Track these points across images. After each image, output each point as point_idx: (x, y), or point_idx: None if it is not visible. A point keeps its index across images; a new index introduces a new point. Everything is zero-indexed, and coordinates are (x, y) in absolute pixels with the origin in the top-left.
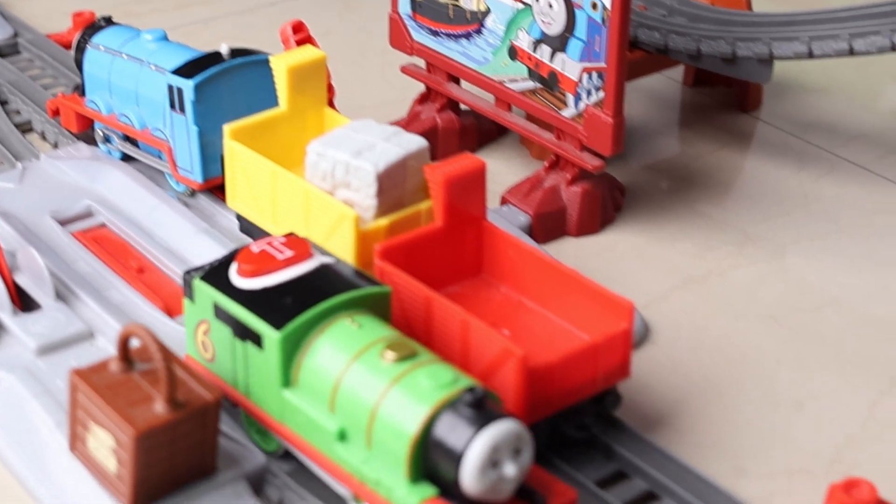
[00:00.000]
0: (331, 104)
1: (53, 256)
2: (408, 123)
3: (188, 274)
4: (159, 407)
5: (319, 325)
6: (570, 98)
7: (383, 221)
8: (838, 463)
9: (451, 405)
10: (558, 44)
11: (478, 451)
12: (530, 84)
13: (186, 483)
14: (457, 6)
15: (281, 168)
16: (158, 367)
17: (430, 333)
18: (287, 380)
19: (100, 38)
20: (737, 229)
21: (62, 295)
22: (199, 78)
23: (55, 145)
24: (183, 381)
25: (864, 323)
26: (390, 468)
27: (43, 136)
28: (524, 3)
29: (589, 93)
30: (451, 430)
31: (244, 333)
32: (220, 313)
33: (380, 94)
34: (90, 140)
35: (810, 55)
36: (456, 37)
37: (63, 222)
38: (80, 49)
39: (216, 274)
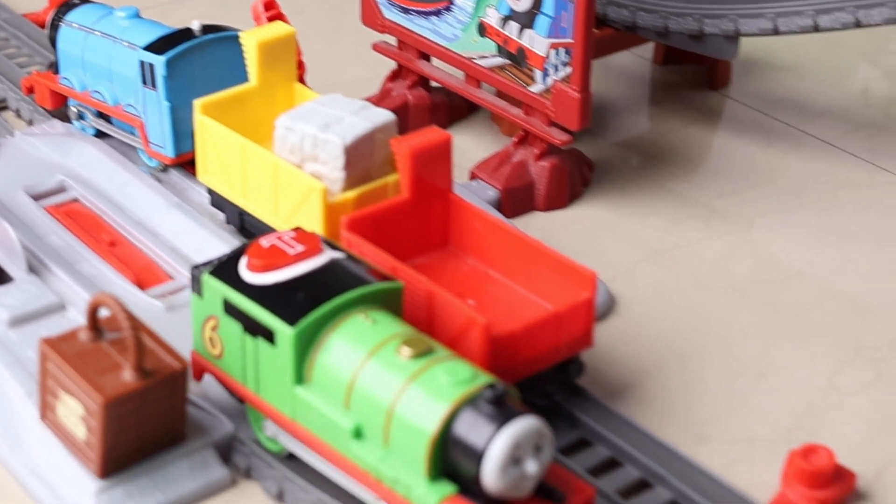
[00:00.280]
0: (301, 80)
1: (26, 230)
2: (379, 100)
3: (196, 269)
4: (128, 375)
5: (333, 321)
6: (538, 74)
7: (351, 194)
8: (798, 430)
9: (470, 402)
10: (526, 20)
11: (500, 448)
12: (499, 60)
13: (155, 451)
14: None
15: (250, 142)
16: (127, 336)
17: None
18: (300, 377)
19: (73, 16)
20: (704, 204)
21: (34, 268)
22: (171, 54)
23: (30, 122)
24: (151, 350)
25: (828, 295)
26: (408, 466)
27: (18, 114)
28: None
29: (556, 68)
30: (472, 428)
31: (255, 329)
32: (230, 309)
33: (353, 71)
34: (64, 117)
35: (776, 32)
36: (426, 14)
37: (36, 197)
38: (54, 27)
39: (225, 269)
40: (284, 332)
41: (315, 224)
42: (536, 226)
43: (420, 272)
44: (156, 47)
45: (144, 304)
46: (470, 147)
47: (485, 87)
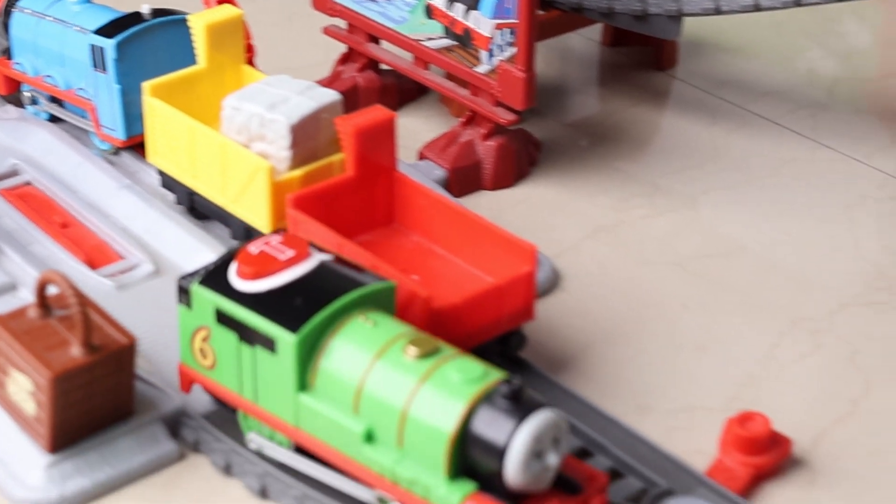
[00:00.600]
0: (250, 63)
1: None
2: (329, 83)
3: (184, 280)
4: (76, 350)
5: (333, 326)
6: (484, 54)
7: (297, 172)
8: (737, 400)
9: (486, 399)
10: (471, 1)
11: (522, 443)
12: (446, 42)
13: (104, 425)
14: None
15: (198, 123)
16: (74, 312)
17: None
18: (303, 383)
19: (25, 2)
20: (649, 182)
21: None
22: (121, 37)
23: None
24: (99, 326)
25: (769, 269)
26: (427, 466)
27: None
28: None
29: (501, 49)
30: (491, 425)
31: (253, 338)
32: (224, 318)
33: (305, 55)
34: (18, 102)
35: (718, 11)
36: None
37: None
38: (7, 12)
39: (215, 278)
40: (286, 339)
41: (262, 203)
42: (484, 205)
43: (365, 249)
44: (106, 31)
45: (94, 283)
46: (420, 128)
47: (433, 69)
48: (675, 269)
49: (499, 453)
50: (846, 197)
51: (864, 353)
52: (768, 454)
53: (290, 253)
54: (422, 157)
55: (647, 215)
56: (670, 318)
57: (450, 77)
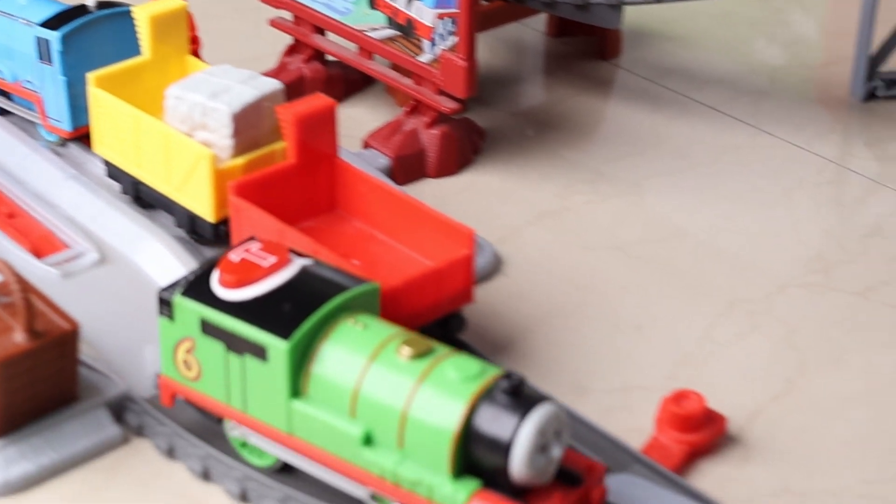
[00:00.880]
0: (195, 54)
1: None
2: (276, 74)
3: (165, 292)
4: (18, 336)
5: (323, 331)
6: (426, 44)
7: (240, 160)
8: (674, 379)
9: (486, 395)
10: None
11: (526, 438)
12: (389, 32)
13: (48, 411)
14: None
15: (142, 112)
16: (17, 299)
17: None
18: (296, 390)
19: None
20: (593, 169)
21: None
22: (66, 29)
23: None
24: (42, 312)
25: (709, 252)
26: (430, 466)
27: None
28: None
29: (443, 38)
30: (494, 421)
31: (241, 347)
32: (210, 329)
33: (252, 47)
34: None
35: (658, 0)
36: None
37: None
38: None
39: (197, 288)
40: (278, 346)
41: (205, 191)
42: (428, 192)
43: (307, 235)
44: (51, 23)
45: (40, 272)
46: (365, 119)
47: (378, 59)
48: (617, 254)
49: (504, 449)
50: (786, 182)
51: (800, 334)
52: (703, 431)
53: (272, 259)
54: (366, 145)
55: (591, 201)
56: (610, 301)
57: (394, 67)
